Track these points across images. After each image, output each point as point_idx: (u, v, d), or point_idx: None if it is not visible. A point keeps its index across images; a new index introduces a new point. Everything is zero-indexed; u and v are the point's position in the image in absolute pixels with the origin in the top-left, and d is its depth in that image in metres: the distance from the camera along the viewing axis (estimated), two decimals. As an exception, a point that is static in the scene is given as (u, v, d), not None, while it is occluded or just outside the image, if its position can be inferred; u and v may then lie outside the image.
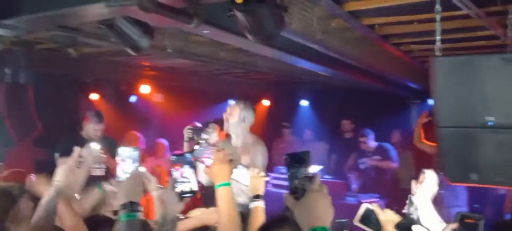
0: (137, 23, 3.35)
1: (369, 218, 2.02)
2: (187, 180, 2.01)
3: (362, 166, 7.43)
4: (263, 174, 2.67)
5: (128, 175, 2.00)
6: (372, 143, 7.36)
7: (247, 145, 4.11)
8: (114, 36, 3.39)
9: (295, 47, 4.52)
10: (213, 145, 2.41)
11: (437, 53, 3.43)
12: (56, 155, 5.21)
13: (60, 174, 2.23)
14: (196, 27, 3.00)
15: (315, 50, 4.51)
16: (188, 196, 2.02)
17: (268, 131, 9.70)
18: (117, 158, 2.09)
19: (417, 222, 1.92)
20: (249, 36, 2.97)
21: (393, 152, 7.35)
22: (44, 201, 2.14)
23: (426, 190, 2.18)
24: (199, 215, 2.85)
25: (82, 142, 5.29)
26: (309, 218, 1.50)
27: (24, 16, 3.08)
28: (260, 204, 2.54)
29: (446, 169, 3.41)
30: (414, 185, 2.18)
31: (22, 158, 6.80)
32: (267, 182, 7.56)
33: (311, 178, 1.57)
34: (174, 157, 2.06)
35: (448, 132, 3.28)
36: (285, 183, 6.18)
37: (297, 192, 1.56)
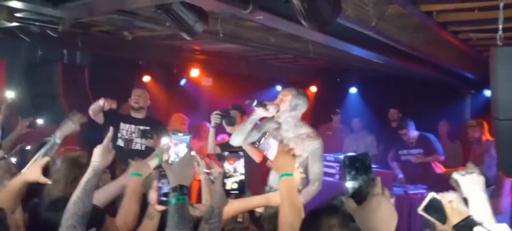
0: (192, 8, 3.39)
1: (435, 207, 1.93)
2: (239, 175, 2.02)
3: (403, 158, 7.26)
4: (293, 151, 2.40)
5: (179, 159, 2.05)
6: (413, 133, 7.12)
7: (300, 137, 3.89)
8: (170, 21, 3.44)
9: (348, 33, 4.43)
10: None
11: (499, 42, 3.28)
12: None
13: (97, 154, 2.30)
14: (251, 13, 3.00)
15: (368, 36, 4.40)
16: (236, 193, 2.04)
17: (315, 118, 9.64)
18: (169, 142, 2.14)
19: (478, 223, 1.82)
20: (304, 23, 2.93)
21: (436, 143, 7.07)
22: (82, 181, 2.21)
23: (469, 185, 2.06)
24: (265, 194, 2.86)
25: (123, 119, 5.46)
26: (373, 224, 1.42)
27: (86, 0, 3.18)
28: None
29: (501, 162, 3.29)
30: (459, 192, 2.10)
31: (76, 136, 7.07)
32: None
33: (371, 180, 1.49)
34: (228, 152, 2.09)
35: (506, 124, 3.15)
36: (330, 170, 6.13)
37: (358, 196, 1.48)
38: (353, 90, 9.90)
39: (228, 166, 2.03)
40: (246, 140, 4.09)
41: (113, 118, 5.25)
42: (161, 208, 2.36)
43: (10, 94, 5.28)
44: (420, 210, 1.90)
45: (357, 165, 1.52)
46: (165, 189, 2.16)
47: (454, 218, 1.88)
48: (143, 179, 2.67)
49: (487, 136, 6.48)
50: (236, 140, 4.08)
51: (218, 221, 1.96)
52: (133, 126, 5.41)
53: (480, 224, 1.80)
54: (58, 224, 2.17)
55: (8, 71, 6.54)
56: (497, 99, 3.12)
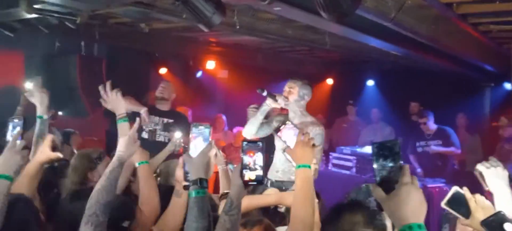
0: (210, 0, 3.38)
1: (458, 201, 1.87)
2: (258, 168, 2.01)
3: (419, 149, 7.17)
4: (314, 141, 2.41)
5: (199, 152, 2.04)
6: (432, 126, 7.05)
7: (305, 123, 4.08)
8: (187, 13, 3.43)
9: (366, 25, 4.39)
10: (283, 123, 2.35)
11: (522, 34, 3.22)
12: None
13: (122, 144, 2.31)
14: (270, 4, 2.98)
15: (387, 28, 4.35)
16: (254, 184, 2.02)
17: (331, 110, 9.60)
18: (190, 135, 2.13)
19: (509, 220, 1.76)
20: (323, 14, 2.91)
21: (454, 136, 6.98)
22: (107, 170, 2.22)
23: (493, 179, 2.07)
24: (279, 193, 2.85)
25: (153, 111, 5.49)
26: (403, 214, 1.36)
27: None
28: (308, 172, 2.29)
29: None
30: (483, 185, 2.08)
31: (95, 128, 7.15)
32: (328, 162, 7.43)
33: (400, 169, 1.42)
34: (246, 143, 2.05)
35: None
36: (346, 163, 6.13)
37: (387, 185, 1.41)
38: (370, 82, 9.79)
39: (247, 158, 2.01)
40: (257, 133, 4.22)
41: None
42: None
43: (29, 85, 5.32)
44: (443, 203, 1.86)
45: (385, 152, 1.45)
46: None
47: (478, 213, 1.83)
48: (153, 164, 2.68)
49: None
50: (248, 131, 4.24)
51: (238, 213, 1.93)
52: (157, 118, 5.43)
53: (511, 221, 1.75)
54: (77, 215, 2.19)
55: (26, 63, 6.61)
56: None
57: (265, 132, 4.30)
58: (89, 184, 2.87)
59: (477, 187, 2.22)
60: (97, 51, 7.42)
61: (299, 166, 2.27)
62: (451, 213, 1.89)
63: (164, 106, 5.44)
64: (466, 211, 1.87)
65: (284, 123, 2.34)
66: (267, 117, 4.33)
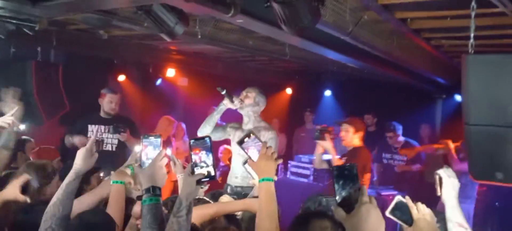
0: (173, 10, 3.40)
1: (401, 210, 1.98)
2: (206, 164, 2.02)
3: (385, 161, 7.36)
4: (275, 155, 2.39)
5: (150, 161, 2.06)
6: (400, 138, 7.26)
7: (258, 128, 4.27)
8: (150, 22, 3.44)
9: (324, 37, 4.51)
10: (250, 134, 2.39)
11: (470, 50, 3.40)
12: (68, 136, 5.34)
13: (79, 157, 2.30)
14: (233, 17, 3.03)
15: (344, 41, 4.49)
16: (206, 181, 2.04)
17: (290, 119, 9.74)
18: (141, 145, 2.15)
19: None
20: (284, 27, 2.99)
21: (421, 151, 7.22)
22: (64, 183, 2.22)
23: (449, 189, 2.21)
24: (247, 199, 2.88)
25: (95, 120, 5.45)
26: (364, 230, 1.48)
27: (65, -1, 3.15)
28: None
29: (472, 166, 3.39)
30: (438, 189, 2.23)
31: (50, 136, 6.97)
32: (287, 170, 7.51)
33: (358, 189, 1.56)
34: (193, 141, 2.07)
35: (477, 130, 3.24)
36: (304, 172, 6.26)
37: (347, 205, 1.54)
38: (327, 93, 10.01)
39: (194, 156, 2.03)
40: (212, 135, 4.35)
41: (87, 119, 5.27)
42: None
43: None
44: (387, 212, 1.97)
45: (345, 174, 1.58)
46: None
47: (421, 222, 1.95)
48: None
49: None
50: (203, 131, 4.46)
51: (187, 214, 1.89)
52: (103, 126, 5.39)
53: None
54: (32, 228, 2.17)
55: (-20, 69, 6.39)
56: (468, 105, 3.22)
57: (218, 135, 4.53)
58: (42, 198, 2.83)
59: (433, 196, 2.36)
60: (54, 57, 7.24)
61: (262, 180, 2.27)
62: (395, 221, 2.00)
63: (109, 115, 5.44)
64: (409, 219, 1.97)
65: (248, 135, 2.37)
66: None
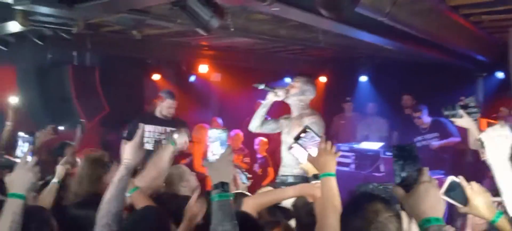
0: (208, 3, 3.37)
1: (455, 191, 1.93)
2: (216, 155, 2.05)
3: (418, 145, 7.18)
4: (334, 149, 2.33)
5: (216, 157, 2.04)
6: (426, 119, 7.07)
7: (302, 115, 4.23)
8: (186, 17, 3.43)
9: (361, 20, 4.41)
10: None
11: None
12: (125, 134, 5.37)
13: (128, 151, 2.28)
14: (269, 5, 2.98)
15: (381, 23, 4.38)
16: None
17: (326, 108, 9.61)
18: (207, 140, 2.13)
19: None
20: (323, 12, 2.92)
21: (450, 125, 6.96)
22: (115, 179, 2.20)
23: (493, 149, 1.90)
24: (298, 185, 2.82)
25: (149, 120, 5.48)
26: (422, 209, 1.47)
27: (100, 0, 3.17)
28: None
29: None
30: (482, 153, 2.08)
31: (91, 138, 7.10)
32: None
33: (419, 170, 1.53)
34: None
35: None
36: (345, 160, 6.18)
37: (406, 184, 1.53)
38: (363, 78, 9.82)
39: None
40: (263, 128, 4.44)
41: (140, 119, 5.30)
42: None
43: (14, 99, 5.22)
44: (440, 193, 1.88)
45: (404, 154, 1.56)
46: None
47: (475, 200, 1.89)
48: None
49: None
50: (253, 125, 4.46)
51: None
52: (160, 127, 5.42)
53: None
54: (88, 222, 2.18)
55: (19, 76, 6.54)
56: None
57: (271, 128, 4.50)
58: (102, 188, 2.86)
59: (478, 176, 2.25)
60: (90, 61, 7.37)
61: (323, 175, 2.24)
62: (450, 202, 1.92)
63: (166, 117, 5.46)
64: (463, 199, 1.93)
65: (304, 131, 2.32)
66: None
